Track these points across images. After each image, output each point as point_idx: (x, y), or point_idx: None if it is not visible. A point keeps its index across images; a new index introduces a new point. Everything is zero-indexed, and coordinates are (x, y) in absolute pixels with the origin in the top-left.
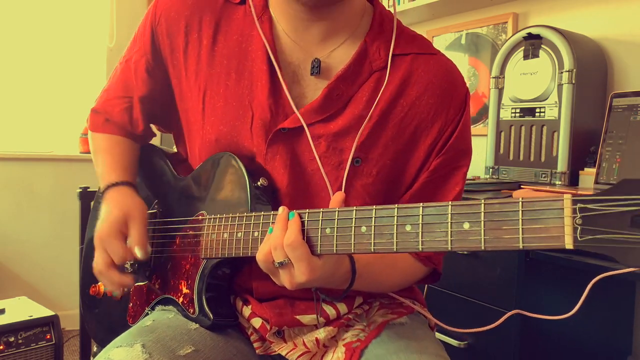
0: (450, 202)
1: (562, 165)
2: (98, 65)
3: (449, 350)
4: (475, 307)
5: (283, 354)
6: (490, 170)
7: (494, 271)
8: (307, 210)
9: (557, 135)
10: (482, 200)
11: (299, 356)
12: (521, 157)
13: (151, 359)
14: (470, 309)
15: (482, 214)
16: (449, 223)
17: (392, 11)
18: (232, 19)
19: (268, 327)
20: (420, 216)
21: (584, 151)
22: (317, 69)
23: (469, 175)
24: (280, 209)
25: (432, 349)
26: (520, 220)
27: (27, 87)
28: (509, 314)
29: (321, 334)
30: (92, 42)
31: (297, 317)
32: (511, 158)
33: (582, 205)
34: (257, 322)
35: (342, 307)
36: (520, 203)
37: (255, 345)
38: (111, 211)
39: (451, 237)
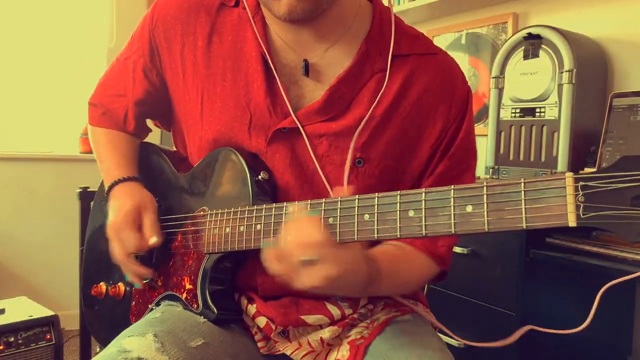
0: (452, 186)
1: (562, 165)
2: (98, 65)
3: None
4: (476, 307)
5: (288, 353)
6: (491, 170)
7: (494, 271)
8: (309, 201)
9: (557, 135)
10: (485, 183)
11: (303, 355)
12: (521, 157)
13: (163, 349)
14: (471, 310)
15: (485, 196)
16: (452, 206)
17: (391, 11)
18: (226, 21)
19: (273, 327)
20: (423, 201)
21: (584, 151)
22: (306, 69)
23: None
24: (290, 205)
25: (436, 345)
26: (522, 201)
27: (27, 87)
28: (523, 330)
29: (326, 333)
30: (92, 42)
31: (302, 317)
32: (511, 158)
33: (584, 183)
34: (261, 321)
35: (347, 309)
36: (522, 184)
37: (260, 344)
38: (125, 203)
39: (454, 220)
